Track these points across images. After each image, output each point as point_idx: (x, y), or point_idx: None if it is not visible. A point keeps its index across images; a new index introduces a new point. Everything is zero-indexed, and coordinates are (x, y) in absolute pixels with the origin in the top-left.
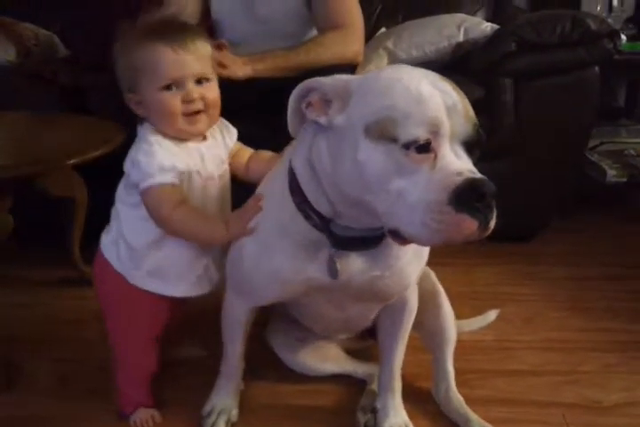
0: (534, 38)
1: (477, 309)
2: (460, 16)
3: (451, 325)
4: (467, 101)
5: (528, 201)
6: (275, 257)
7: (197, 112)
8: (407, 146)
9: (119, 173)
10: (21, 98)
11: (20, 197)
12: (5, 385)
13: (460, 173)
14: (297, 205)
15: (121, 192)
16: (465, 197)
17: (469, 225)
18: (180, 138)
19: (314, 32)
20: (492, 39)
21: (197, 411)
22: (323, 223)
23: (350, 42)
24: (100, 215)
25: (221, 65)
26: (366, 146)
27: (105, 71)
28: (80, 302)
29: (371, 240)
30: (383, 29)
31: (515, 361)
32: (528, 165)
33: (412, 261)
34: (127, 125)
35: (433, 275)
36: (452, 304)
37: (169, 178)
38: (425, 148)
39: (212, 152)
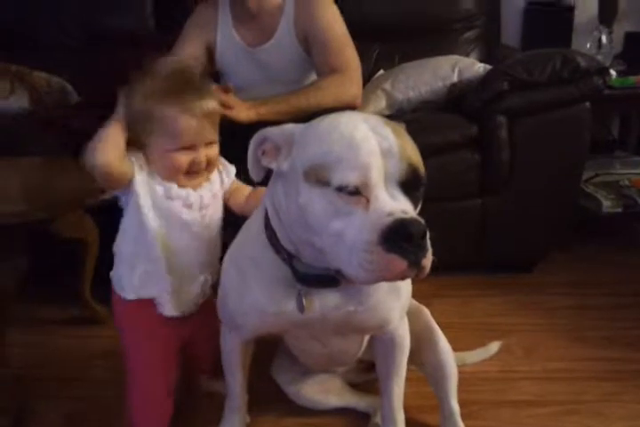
0: (526, 77)
1: (479, 340)
2: (453, 57)
3: (449, 361)
4: (409, 144)
5: (526, 233)
6: (250, 289)
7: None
8: (340, 189)
9: None
10: (34, 144)
11: (33, 239)
12: (14, 424)
13: (390, 214)
14: (268, 239)
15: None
16: (393, 237)
17: (399, 265)
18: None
19: (314, 76)
20: (486, 79)
21: None
22: (288, 259)
23: (349, 85)
24: (110, 256)
25: (226, 107)
26: (305, 190)
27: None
28: (90, 340)
29: (331, 279)
30: (381, 71)
31: (517, 392)
32: (524, 198)
33: (387, 297)
34: None
35: (426, 312)
36: (454, 336)
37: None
38: (356, 191)
39: (202, 195)
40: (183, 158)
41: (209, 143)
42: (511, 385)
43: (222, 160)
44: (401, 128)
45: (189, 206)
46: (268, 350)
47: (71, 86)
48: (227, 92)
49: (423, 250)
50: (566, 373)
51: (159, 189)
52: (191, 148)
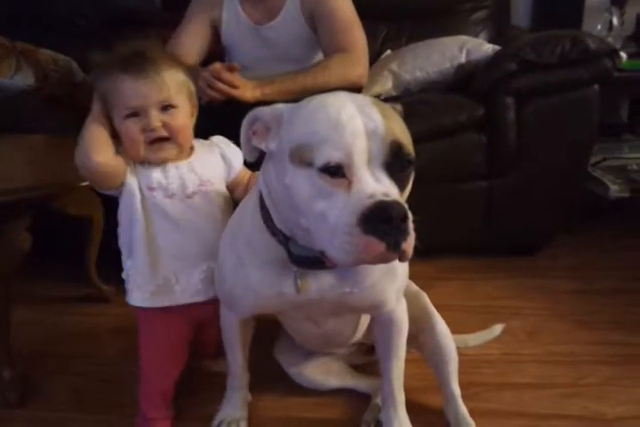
0: (535, 58)
1: (482, 322)
2: (462, 38)
3: (448, 344)
4: (397, 125)
5: (532, 216)
6: (247, 270)
7: (161, 140)
8: (322, 170)
9: None
10: (39, 121)
11: (38, 216)
12: (20, 400)
13: (371, 196)
14: (264, 220)
15: None
16: (371, 219)
17: (376, 247)
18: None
19: (320, 55)
20: (494, 60)
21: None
22: (284, 240)
23: (355, 65)
24: (115, 234)
25: (232, 86)
26: (291, 170)
27: None
28: (96, 318)
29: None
30: (388, 52)
31: (520, 374)
32: (531, 181)
33: (383, 278)
34: None
35: (425, 296)
36: (456, 318)
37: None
38: (339, 172)
39: (181, 171)
40: (134, 126)
41: (165, 107)
42: (514, 368)
43: (227, 143)
44: (390, 109)
45: (171, 197)
46: (270, 330)
47: (77, 65)
48: (232, 71)
49: (403, 233)
50: (569, 356)
51: (140, 178)
52: (140, 113)
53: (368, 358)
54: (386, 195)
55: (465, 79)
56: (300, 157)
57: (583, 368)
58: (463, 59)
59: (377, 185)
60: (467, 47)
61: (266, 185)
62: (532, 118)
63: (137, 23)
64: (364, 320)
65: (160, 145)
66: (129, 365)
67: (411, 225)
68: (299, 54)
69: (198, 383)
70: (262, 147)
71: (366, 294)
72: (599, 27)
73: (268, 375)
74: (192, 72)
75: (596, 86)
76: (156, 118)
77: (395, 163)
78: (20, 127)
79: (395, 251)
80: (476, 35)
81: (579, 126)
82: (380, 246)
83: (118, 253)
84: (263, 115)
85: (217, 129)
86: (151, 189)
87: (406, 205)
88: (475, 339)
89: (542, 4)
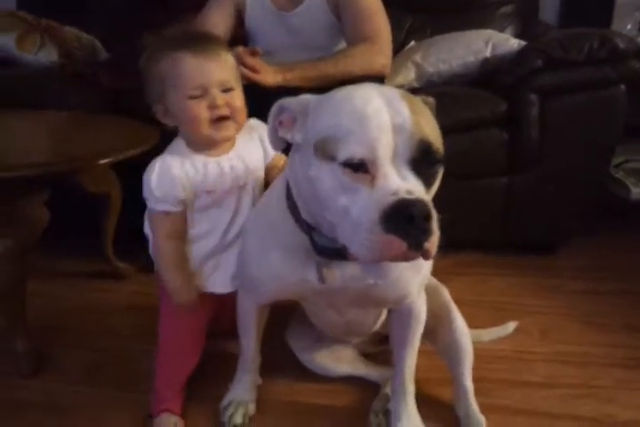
0: (561, 55)
1: (495, 319)
2: (487, 32)
3: (465, 341)
4: (426, 120)
5: (550, 214)
6: (270, 257)
7: (224, 118)
8: (345, 164)
9: None
10: (62, 98)
11: (56, 192)
12: (33, 372)
13: (395, 193)
14: (289, 208)
15: None
16: (393, 217)
17: (398, 246)
18: (207, 148)
19: (343, 44)
20: (520, 55)
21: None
22: (308, 230)
23: (378, 54)
24: (133, 212)
25: (254, 70)
26: (315, 163)
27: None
28: (111, 294)
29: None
30: (412, 43)
31: (531, 373)
32: (551, 179)
33: (407, 271)
34: (160, 128)
35: (444, 290)
36: (469, 313)
37: (163, 206)
38: (362, 167)
39: (232, 164)
40: (199, 105)
41: (226, 90)
42: (525, 366)
43: (264, 127)
44: (421, 103)
45: (228, 192)
46: (283, 315)
47: (101, 44)
48: (254, 56)
49: (426, 233)
50: (581, 357)
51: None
52: (203, 93)
53: (380, 347)
54: (409, 192)
55: (489, 74)
56: (324, 150)
57: (595, 370)
58: (488, 53)
59: (401, 182)
60: (492, 41)
61: (292, 175)
62: (556, 116)
63: (162, 4)
64: (385, 310)
65: (223, 123)
66: (143, 342)
67: (435, 224)
68: (322, 42)
69: (210, 364)
70: (288, 137)
71: (390, 286)
72: (629, 26)
73: (279, 360)
74: None
75: (623, 86)
76: (220, 96)
77: (422, 160)
78: (44, 104)
79: (417, 250)
80: (501, 29)
81: (603, 126)
82: (401, 245)
83: (135, 230)
84: (290, 105)
85: None
86: (209, 192)
87: (431, 204)
88: (488, 335)
89: (572, 0)
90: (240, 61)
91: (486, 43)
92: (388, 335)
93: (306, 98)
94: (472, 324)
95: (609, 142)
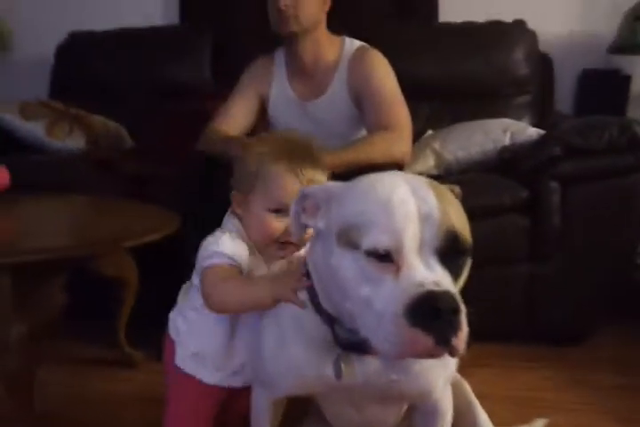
0: (580, 143)
1: (520, 415)
2: (505, 121)
3: None
4: (453, 209)
5: (575, 304)
6: (290, 350)
7: (290, 242)
8: (369, 253)
9: (171, 259)
10: (86, 183)
11: (74, 276)
12: None
13: (420, 285)
14: (310, 298)
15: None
16: (419, 310)
17: (423, 341)
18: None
19: (363, 132)
20: (539, 143)
21: None
22: (329, 321)
23: (398, 142)
24: (149, 299)
25: None
26: (337, 251)
27: (166, 163)
28: (121, 384)
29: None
30: (430, 132)
31: None
32: (575, 267)
33: (432, 366)
34: (182, 214)
35: (466, 385)
36: (493, 408)
37: (227, 260)
38: (386, 256)
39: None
40: (278, 224)
41: None
42: None
43: None
44: (448, 192)
45: None
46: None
47: (126, 132)
48: None
49: (453, 328)
50: None
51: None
52: (286, 212)
53: None
54: (437, 284)
55: (507, 162)
56: (348, 238)
57: None
58: (507, 141)
59: (427, 273)
60: (510, 130)
61: (313, 263)
62: (578, 203)
63: (187, 94)
64: (404, 406)
65: (289, 246)
66: None
67: (463, 319)
68: (342, 131)
69: None
70: (311, 224)
71: (414, 382)
72: None
73: None
74: (237, 142)
75: None
76: None
77: (449, 250)
78: (70, 189)
79: (444, 347)
80: (518, 119)
81: (625, 213)
82: (426, 341)
83: (149, 317)
84: (314, 192)
85: None
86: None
87: (459, 297)
88: None
89: (586, 89)
90: None
91: (504, 131)
92: None
93: (330, 185)
94: (497, 421)
95: (632, 229)
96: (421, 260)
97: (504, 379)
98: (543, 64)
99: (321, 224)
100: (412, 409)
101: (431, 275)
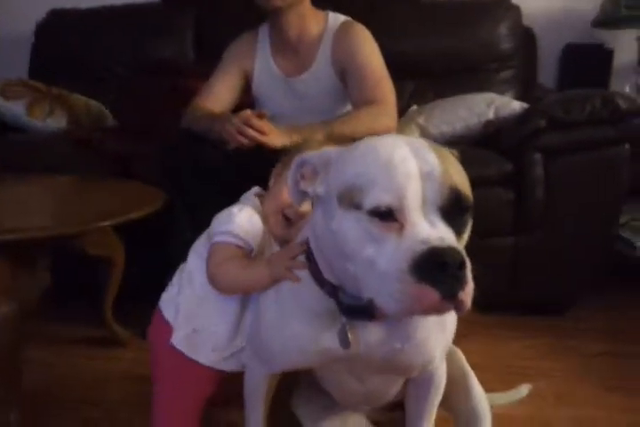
0: (564, 116)
1: (506, 382)
2: (489, 95)
3: (484, 407)
4: (455, 169)
5: (558, 275)
6: (291, 324)
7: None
8: (372, 213)
9: (157, 237)
10: (68, 163)
11: (58, 255)
12: None
13: (425, 241)
14: (311, 271)
15: (199, 244)
16: (425, 266)
17: (430, 296)
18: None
19: (348, 107)
20: (523, 116)
21: None
22: (332, 291)
23: (384, 117)
24: (135, 278)
25: (262, 132)
26: (339, 214)
27: (149, 141)
28: (109, 362)
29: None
30: (414, 107)
31: None
32: (558, 238)
33: (433, 334)
34: (166, 191)
35: (460, 354)
36: (480, 377)
37: (235, 240)
38: (389, 215)
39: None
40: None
41: None
42: None
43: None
44: (447, 152)
45: None
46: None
47: (108, 110)
48: (261, 118)
49: (460, 282)
50: (596, 421)
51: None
52: None
53: (390, 414)
54: (441, 240)
55: (491, 135)
56: (349, 199)
57: None
58: (491, 115)
59: (431, 229)
60: (495, 104)
61: (313, 233)
62: (561, 176)
63: (170, 72)
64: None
65: (292, 225)
66: (135, 412)
67: (469, 273)
68: (327, 106)
69: None
70: (310, 191)
71: (416, 350)
72: (627, 89)
73: None
74: (222, 118)
75: (627, 145)
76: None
77: (451, 208)
78: (51, 169)
79: (451, 301)
80: (502, 93)
81: (608, 185)
82: (434, 295)
83: (137, 296)
84: (312, 158)
85: (246, 175)
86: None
87: (464, 252)
88: (500, 398)
89: (569, 64)
90: (247, 123)
91: (489, 105)
92: (397, 403)
93: (328, 150)
94: (484, 388)
95: (614, 200)
96: (424, 218)
97: (489, 348)
98: (526, 39)
99: (320, 189)
100: (407, 379)
101: (435, 231)
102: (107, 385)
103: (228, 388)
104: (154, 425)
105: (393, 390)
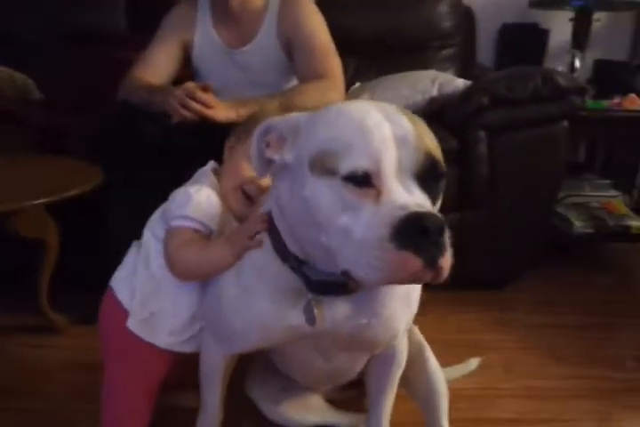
0: (506, 93)
1: (455, 356)
2: (433, 72)
3: (441, 379)
4: (427, 133)
5: (500, 250)
6: (254, 302)
7: (250, 197)
8: (347, 179)
9: (94, 218)
10: None
11: None
12: None
13: (403, 207)
14: (274, 246)
15: (154, 223)
16: (406, 232)
17: (412, 263)
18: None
19: (293, 82)
20: (466, 93)
21: None
22: (298, 265)
23: (332, 91)
24: (71, 261)
25: (206, 105)
26: (311, 181)
27: (80, 114)
28: (45, 350)
29: (347, 285)
30: (357, 84)
31: (497, 409)
32: (500, 214)
33: (400, 309)
34: (103, 168)
35: (415, 328)
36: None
37: (192, 224)
38: (366, 181)
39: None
40: (250, 171)
41: None
42: (491, 403)
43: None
44: (417, 117)
45: None
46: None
47: (34, 83)
48: (206, 91)
49: (440, 248)
50: (546, 391)
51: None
52: None
53: (349, 392)
54: (419, 206)
55: (435, 112)
56: (323, 165)
57: (562, 403)
58: (435, 92)
59: (408, 195)
60: (439, 81)
61: (277, 204)
62: (503, 152)
63: (99, 42)
64: None
65: (252, 202)
66: (80, 402)
67: (448, 239)
68: (272, 79)
69: (162, 419)
70: (277, 158)
71: (383, 325)
72: (560, 68)
73: (240, 412)
74: (163, 91)
75: (566, 122)
76: (266, 181)
77: (426, 175)
78: None
79: (431, 268)
80: (443, 71)
81: (549, 161)
82: (416, 263)
83: (72, 280)
84: (278, 124)
85: (189, 149)
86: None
87: (443, 218)
88: (451, 372)
89: (506, 43)
90: (191, 96)
91: (433, 82)
92: (352, 382)
93: (295, 116)
94: None
95: (554, 176)
96: (401, 184)
97: (437, 323)
98: (466, 18)
99: (289, 156)
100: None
101: (413, 198)
102: (47, 375)
103: (182, 370)
104: (105, 412)
105: (357, 367)
